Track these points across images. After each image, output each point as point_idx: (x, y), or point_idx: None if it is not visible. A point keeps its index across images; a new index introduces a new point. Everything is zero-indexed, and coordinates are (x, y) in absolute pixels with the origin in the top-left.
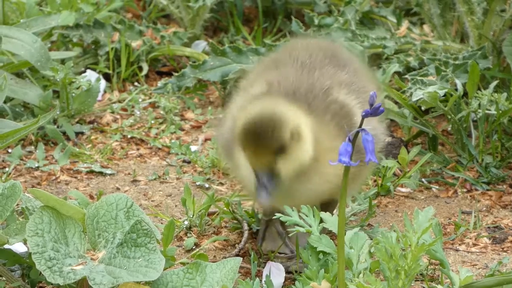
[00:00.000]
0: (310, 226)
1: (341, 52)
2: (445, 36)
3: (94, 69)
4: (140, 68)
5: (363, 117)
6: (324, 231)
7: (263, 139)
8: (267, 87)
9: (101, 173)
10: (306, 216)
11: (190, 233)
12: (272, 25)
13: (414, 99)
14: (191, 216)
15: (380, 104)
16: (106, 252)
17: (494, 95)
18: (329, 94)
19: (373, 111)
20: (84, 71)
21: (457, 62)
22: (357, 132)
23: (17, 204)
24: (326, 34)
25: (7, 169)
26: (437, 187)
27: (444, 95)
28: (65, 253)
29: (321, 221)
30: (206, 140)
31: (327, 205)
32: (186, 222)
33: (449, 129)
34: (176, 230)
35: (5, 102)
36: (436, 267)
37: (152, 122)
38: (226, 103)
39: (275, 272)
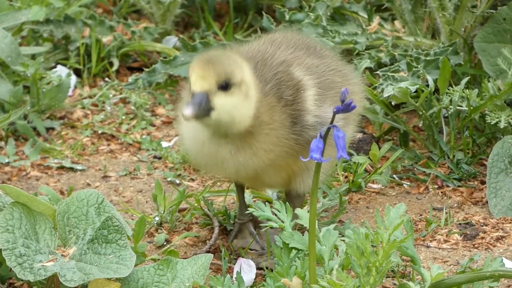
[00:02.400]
0: (283, 222)
1: (323, 49)
2: (417, 32)
3: (64, 65)
4: (111, 64)
5: (335, 113)
6: (296, 227)
7: (213, 64)
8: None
9: (71, 168)
10: (279, 211)
11: (161, 229)
12: (243, 20)
13: (385, 95)
14: (162, 212)
15: (351, 101)
16: (77, 248)
17: (466, 91)
18: (283, 65)
19: (345, 108)
20: (55, 67)
21: (428, 58)
22: (328, 129)
23: None
24: (297, 30)
25: None
26: (408, 183)
27: (416, 91)
28: (35, 249)
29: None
30: (177, 135)
31: (292, 199)
32: (157, 218)
33: (421, 125)
34: (147, 226)
35: None
36: (408, 263)
37: (123, 117)
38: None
39: (246, 268)
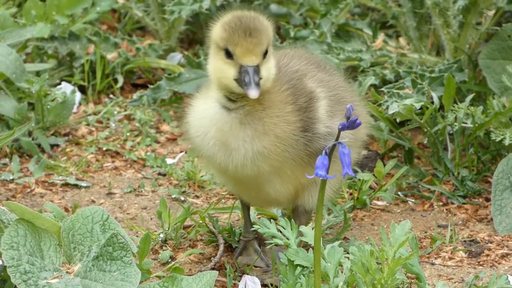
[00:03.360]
0: (288, 239)
1: (331, 68)
2: (421, 49)
3: (69, 81)
4: (115, 80)
5: (340, 130)
6: (301, 244)
7: (257, 35)
8: None
9: (76, 185)
10: (284, 228)
11: (166, 246)
12: None
13: (390, 112)
14: (167, 229)
15: (356, 117)
16: (82, 265)
17: (470, 108)
18: (297, 74)
19: (350, 124)
20: (59, 83)
21: (433, 75)
22: (334, 146)
23: None
24: (302, 47)
25: None
26: (413, 200)
27: (420, 108)
28: (40, 266)
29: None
30: (181, 152)
31: (299, 216)
32: (161, 235)
33: (425, 142)
34: (152, 243)
35: None
36: (413, 281)
37: (128, 134)
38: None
39: (251, 285)
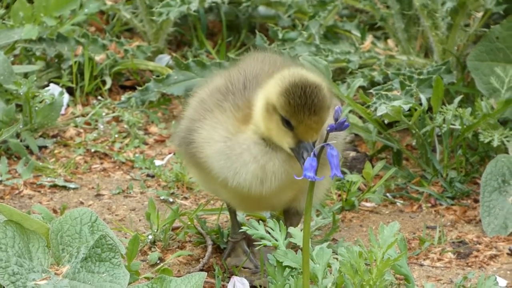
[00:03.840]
0: (277, 240)
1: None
2: (410, 51)
3: (57, 83)
4: (104, 82)
5: (328, 131)
6: (290, 245)
7: (323, 111)
8: (226, 77)
9: (64, 187)
10: (273, 230)
11: (154, 247)
12: (236, 39)
13: (378, 113)
14: (155, 230)
15: (345, 119)
16: (70, 266)
17: (459, 110)
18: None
19: (338, 126)
20: (47, 85)
21: (421, 76)
22: (322, 147)
23: None
24: (290, 48)
25: None
26: (401, 201)
27: (409, 110)
28: (29, 268)
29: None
30: (170, 154)
31: (290, 217)
32: (150, 237)
33: (414, 143)
34: (140, 245)
35: None
36: (401, 282)
37: (116, 136)
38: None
39: (239, 286)
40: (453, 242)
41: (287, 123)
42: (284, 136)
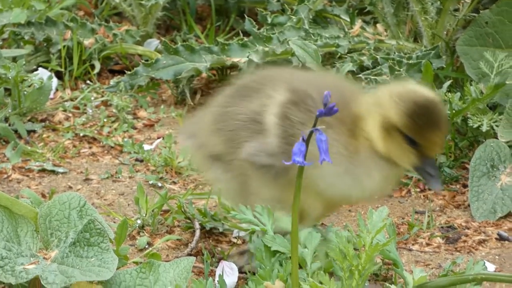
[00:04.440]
0: (264, 225)
1: None
2: (399, 35)
3: (46, 67)
4: (92, 66)
5: (317, 116)
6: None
7: (446, 125)
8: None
9: (53, 171)
10: (260, 215)
11: (143, 232)
12: (225, 23)
13: None
14: (144, 215)
15: (334, 104)
16: (59, 251)
17: (448, 94)
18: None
19: (327, 111)
20: (36, 69)
21: (410, 61)
22: (311, 132)
23: None
24: (279, 33)
25: None
26: None
27: None
28: (17, 252)
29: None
30: (158, 138)
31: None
32: (139, 221)
33: None
34: (129, 229)
35: None
36: (390, 267)
37: (105, 120)
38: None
39: (228, 271)
40: (441, 227)
41: (411, 141)
42: (406, 154)
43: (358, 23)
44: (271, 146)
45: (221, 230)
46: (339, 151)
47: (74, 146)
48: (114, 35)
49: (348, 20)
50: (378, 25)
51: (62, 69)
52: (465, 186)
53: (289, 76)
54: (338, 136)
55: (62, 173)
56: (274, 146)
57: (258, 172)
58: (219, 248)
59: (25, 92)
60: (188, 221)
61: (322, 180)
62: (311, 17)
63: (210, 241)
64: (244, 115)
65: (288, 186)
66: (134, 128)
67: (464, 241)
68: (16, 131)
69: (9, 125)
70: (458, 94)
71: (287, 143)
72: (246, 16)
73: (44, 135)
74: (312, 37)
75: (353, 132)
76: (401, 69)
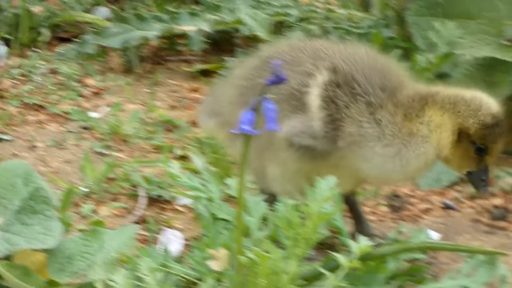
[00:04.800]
0: (211, 192)
1: None
2: (349, 5)
3: None
4: (41, 34)
5: (266, 85)
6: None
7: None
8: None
9: None
10: (208, 182)
11: (89, 200)
12: None
13: None
14: (90, 183)
15: (284, 75)
16: (4, 219)
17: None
18: None
19: (276, 80)
20: None
21: (360, 31)
22: (259, 101)
23: None
24: (229, 2)
25: None
26: None
27: None
28: None
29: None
30: (106, 106)
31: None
32: (84, 189)
33: None
34: (74, 197)
35: None
36: (335, 235)
37: (52, 88)
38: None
39: (172, 238)
40: (387, 196)
41: (480, 150)
42: (469, 161)
43: None
44: (315, 129)
45: (167, 198)
46: (393, 132)
47: (21, 113)
48: (63, 2)
49: None
50: None
51: (10, 37)
52: None
53: (330, 53)
54: (392, 118)
55: (7, 140)
56: (319, 129)
57: (296, 152)
58: (164, 216)
59: None
60: (134, 188)
61: (368, 161)
62: None
63: (155, 209)
64: (282, 90)
65: (323, 167)
66: (82, 96)
67: (409, 210)
68: None
69: None
70: (408, 64)
71: (333, 128)
72: None
73: None
74: (263, 6)
75: (408, 116)
76: (351, 39)
